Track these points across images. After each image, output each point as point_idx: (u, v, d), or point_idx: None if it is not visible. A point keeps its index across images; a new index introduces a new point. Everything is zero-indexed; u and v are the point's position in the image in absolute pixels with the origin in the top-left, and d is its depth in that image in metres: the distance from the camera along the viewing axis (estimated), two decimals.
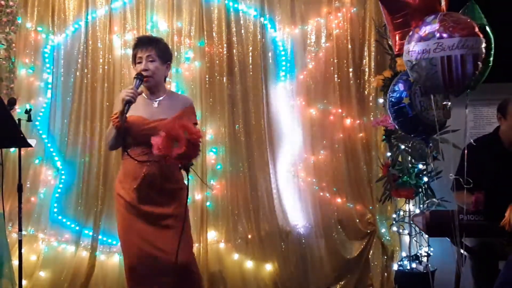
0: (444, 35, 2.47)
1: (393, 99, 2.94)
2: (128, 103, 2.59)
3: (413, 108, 2.87)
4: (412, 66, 2.61)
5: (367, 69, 4.25)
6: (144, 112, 2.73)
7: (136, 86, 2.67)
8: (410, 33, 2.65)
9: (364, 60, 4.26)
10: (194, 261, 2.83)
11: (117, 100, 2.79)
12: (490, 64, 2.86)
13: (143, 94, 2.80)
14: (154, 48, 2.77)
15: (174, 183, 2.78)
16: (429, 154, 3.40)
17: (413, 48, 2.57)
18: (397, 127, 3.11)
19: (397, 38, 2.88)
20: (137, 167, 2.69)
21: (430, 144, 3.28)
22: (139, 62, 2.77)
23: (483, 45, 2.53)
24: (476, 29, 2.52)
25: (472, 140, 3.14)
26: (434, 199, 3.63)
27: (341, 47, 4.26)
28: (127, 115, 2.63)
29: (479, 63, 2.51)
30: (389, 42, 4.02)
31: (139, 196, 2.71)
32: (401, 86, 2.92)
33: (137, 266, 2.70)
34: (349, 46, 4.24)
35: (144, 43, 2.80)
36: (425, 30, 2.55)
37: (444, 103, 2.71)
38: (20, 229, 3.30)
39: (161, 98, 2.81)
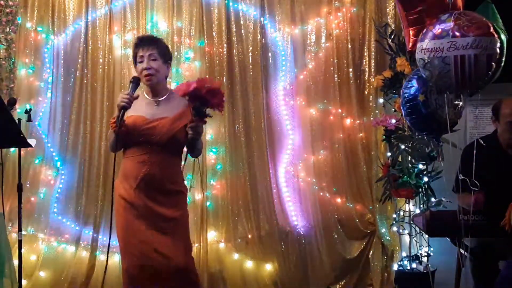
0: (458, 34, 2.45)
1: (407, 96, 2.90)
2: (123, 108, 2.59)
3: (429, 105, 2.83)
4: (424, 64, 2.59)
5: (367, 69, 4.24)
6: (145, 112, 2.72)
7: (131, 90, 2.66)
8: (424, 31, 2.62)
9: (364, 60, 4.25)
10: (192, 265, 2.83)
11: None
12: (502, 64, 2.84)
13: (145, 94, 2.80)
14: (156, 47, 2.76)
15: (174, 184, 2.77)
16: (440, 152, 3.35)
17: (426, 46, 2.55)
18: (409, 124, 3.07)
19: (411, 34, 2.85)
20: (137, 167, 2.68)
21: (441, 143, 3.24)
22: (141, 61, 2.76)
23: (498, 45, 2.51)
24: (491, 29, 2.50)
25: (480, 139, 3.11)
26: (441, 199, 3.61)
27: (341, 47, 4.26)
28: (128, 116, 2.64)
29: (492, 63, 2.49)
30: (389, 42, 4.02)
31: (140, 195, 2.70)
32: (415, 83, 2.87)
33: (135, 269, 2.67)
34: (349, 46, 4.23)
35: (146, 42, 2.79)
36: (439, 28, 2.52)
37: (456, 102, 2.69)
38: (20, 229, 3.30)
39: (162, 97, 2.80)
